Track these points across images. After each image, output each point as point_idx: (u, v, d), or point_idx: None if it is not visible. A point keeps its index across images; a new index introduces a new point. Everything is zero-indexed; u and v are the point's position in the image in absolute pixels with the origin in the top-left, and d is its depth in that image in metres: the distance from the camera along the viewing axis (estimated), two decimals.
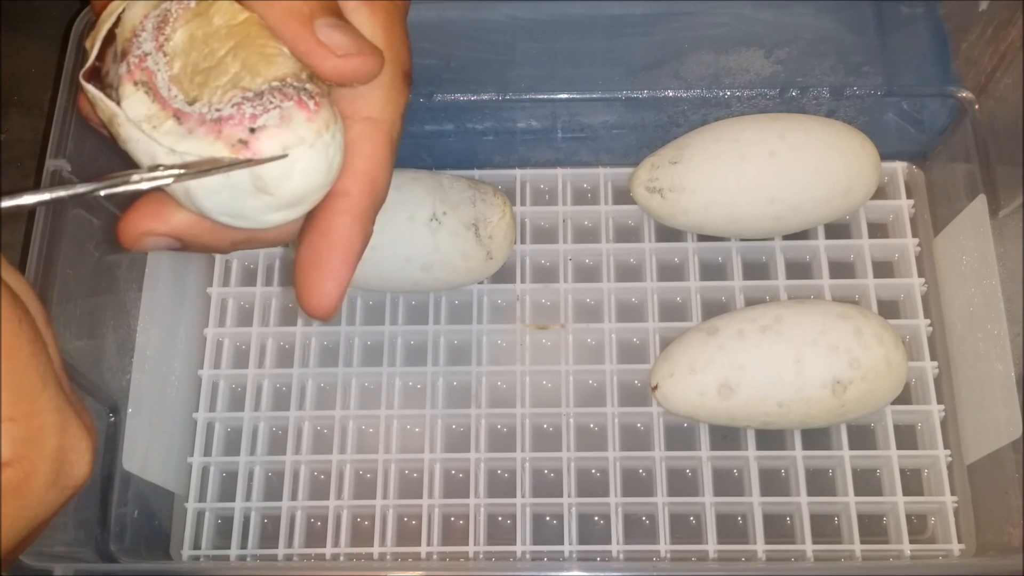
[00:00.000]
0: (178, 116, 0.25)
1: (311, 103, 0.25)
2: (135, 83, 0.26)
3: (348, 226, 0.27)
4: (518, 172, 0.50)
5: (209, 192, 0.25)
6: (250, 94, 0.25)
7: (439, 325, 0.48)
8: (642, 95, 0.48)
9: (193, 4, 0.26)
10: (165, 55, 0.26)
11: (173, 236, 0.27)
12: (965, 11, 0.44)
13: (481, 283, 0.48)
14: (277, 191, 0.25)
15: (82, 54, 0.27)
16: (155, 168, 0.25)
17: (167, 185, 0.25)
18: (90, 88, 0.26)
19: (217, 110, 0.25)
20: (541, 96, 0.48)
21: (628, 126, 0.49)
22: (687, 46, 0.46)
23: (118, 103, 0.25)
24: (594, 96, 0.48)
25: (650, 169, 0.48)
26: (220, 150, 0.25)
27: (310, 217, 0.27)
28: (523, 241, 0.49)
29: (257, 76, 0.25)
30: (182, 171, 0.25)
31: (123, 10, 0.26)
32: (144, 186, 0.25)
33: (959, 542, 0.43)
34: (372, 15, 0.28)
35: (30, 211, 0.40)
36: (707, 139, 0.46)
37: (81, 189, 0.25)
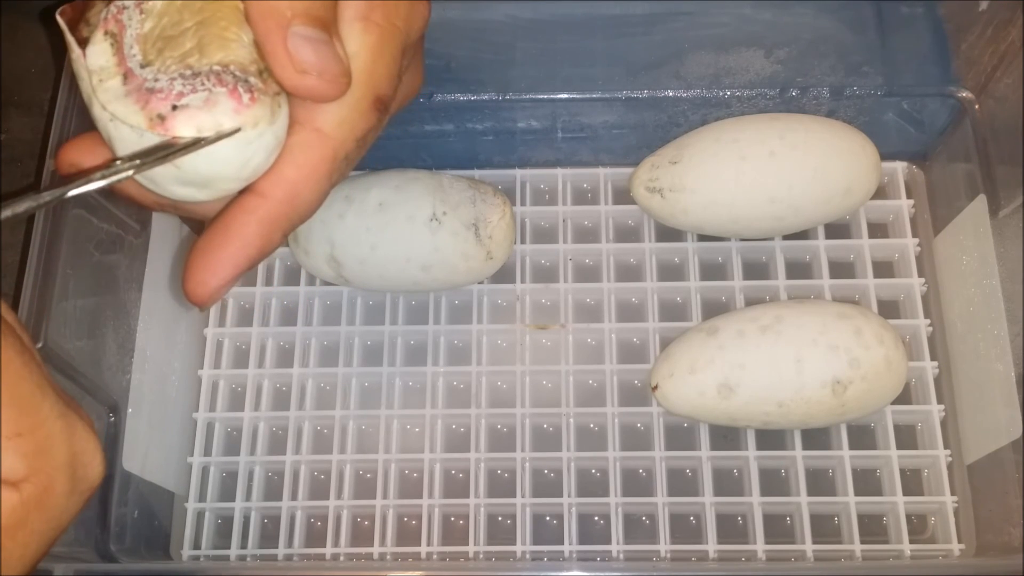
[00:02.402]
0: (127, 75, 0.26)
1: (246, 96, 0.25)
2: (106, 32, 0.26)
3: (250, 226, 0.27)
4: (518, 172, 0.50)
5: (125, 146, 0.26)
6: (188, 72, 0.25)
7: (439, 325, 0.48)
8: (642, 95, 0.48)
9: None
10: (141, 12, 0.26)
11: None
12: (965, 11, 0.44)
13: (481, 283, 0.48)
14: (181, 165, 0.25)
15: None
16: (112, 164, 0.26)
17: (124, 177, 0.26)
18: (61, 22, 0.27)
19: (156, 80, 0.25)
20: (541, 96, 0.48)
21: (628, 126, 0.49)
22: (687, 46, 0.46)
23: (86, 40, 0.26)
24: (594, 96, 0.48)
25: (650, 169, 0.48)
26: (140, 120, 0.25)
27: (222, 210, 0.27)
28: (523, 241, 0.49)
29: (204, 57, 0.26)
30: (138, 162, 0.25)
31: None
32: (100, 184, 0.25)
33: (959, 542, 0.43)
34: (364, 33, 0.27)
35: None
36: (707, 139, 0.46)
37: (46, 196, 0.25)
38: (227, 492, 0.46)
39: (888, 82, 0.47)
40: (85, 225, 0.40)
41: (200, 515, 0.45)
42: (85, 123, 0.40)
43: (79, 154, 0.28)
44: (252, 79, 0.26)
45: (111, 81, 0.26)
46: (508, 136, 0.50)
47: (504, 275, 0.48)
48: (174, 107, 0.25)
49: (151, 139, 0.25)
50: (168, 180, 0.26)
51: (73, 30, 0.27)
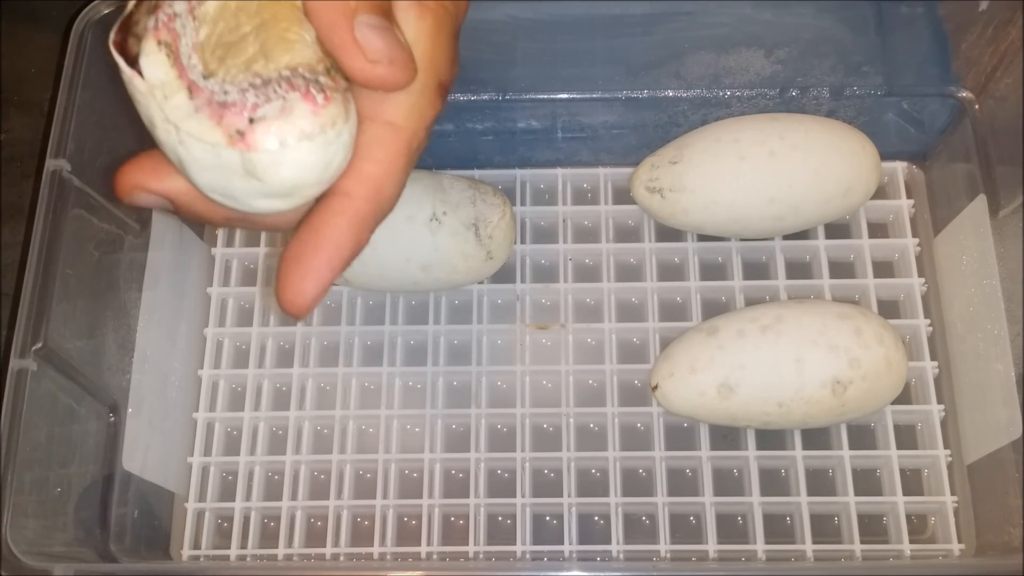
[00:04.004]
0: (191, 88, 0.24)
1: (320, 96, 0.24)
2: (159, 42, 0.25)
3: (341, 227, 0.26)
4: (518, 172, 0.50)
5: (200, 167, 0.25)
6: (258, 81, 0.24)
7: (439, 325, 0.48)
8: (642, 95, 0.48)
9: None
10: (195, 19, 0.25)
11: (166, 197, 0.27)
12: (965, 11, 0.44)
13: (481, 283, 0.48)
14: (265, 177, 0.25)
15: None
16: None
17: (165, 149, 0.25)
18: (115, 52, 0.25)
19: (225, 92, 0.24)
20: (541, 96, 0.48)
21: (628, 126, 0.49)
22: (687, 46, 0.46)
23: (136, 57, 0.25)
24: (594, 96, 0.48)
25: (650, 169, 0.48)
26: (218, 138, 0.24)
27: (308, 212, 0.27)
28: (523, 241, 0.49)
29: (271, 62, 0.25)
30: None
31: None
32: None
33: (959, 542, 0.43)
34: (420, 19, 0.27)
35: (30, 211, 0.40)
36: (707, 139, 0.46)
37: None
38: (227, 492, 0.46)
39: (888, 82, 0.47)
40: (85, 225, 0.40)
41: (200, 515, 0.45)
42: (85, 123, 0.40)
43: (143, 175, 0.27)
44: (322, 78, 0.25)
45: (176, 97, 0.25)
46: (508, 136, 0.50)
47: (504, 275, 0.48)
48: (251, 120, 0.24)
49: (230, 156, 0.24)
50: (249, 195, 0.25)
51: (121, 50, 0.25)
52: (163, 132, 0.25)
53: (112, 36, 0.25)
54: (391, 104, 0.26)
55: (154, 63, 0.25)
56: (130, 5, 0.26)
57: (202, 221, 0.28)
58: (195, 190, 0.26)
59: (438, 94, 0.27)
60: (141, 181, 0.27)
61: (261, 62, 0.25)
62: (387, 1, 0.26)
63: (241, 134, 0.24)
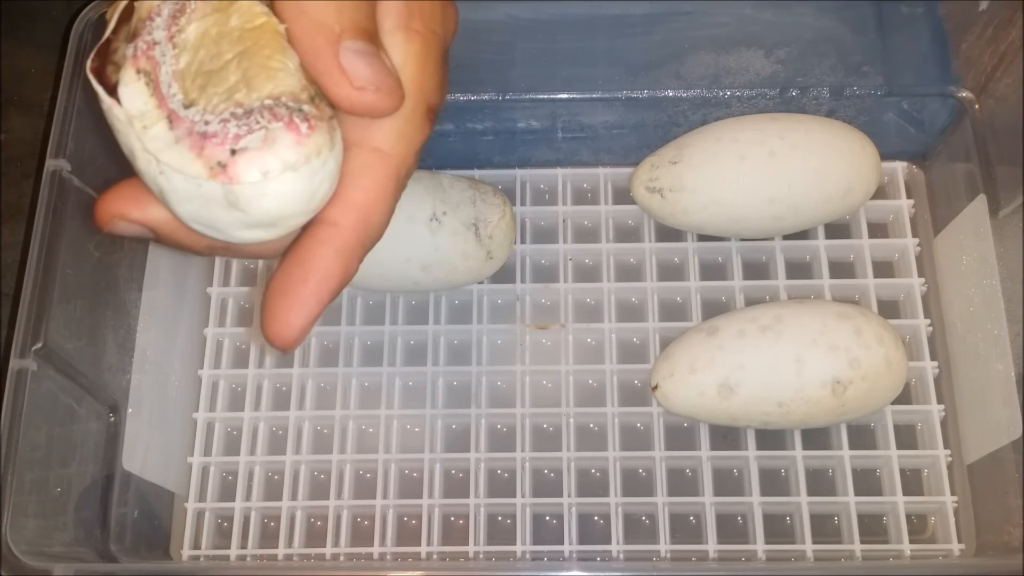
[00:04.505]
0: (171, 118, 0.24)
1: (303, 126, 0.24)
2: (138, 71, 0.24)
3: (328, 258, 0.26)
4: (518, 172, 0.50)
5: (181, 198, 0.24)
6: (239, 111, 0.24)
7: (439, 325, 0.48)
8: (642, 95, 0.48)
9: None
10: (174, 47, 0.24)
11: (147, 226, 0.26)
12: (965, 11, 0.44)
13: (481, 283, 0.48)
14: (248, 209, 0.24)
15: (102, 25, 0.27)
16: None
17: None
18: (92, 78, 0.25)
19: (206, 122, 0.24)
20: (541, 96, 0.48)
21: (628, 126, 0.49)
22: (687, 46, 0.46)
23: (115, 85, 0.24)
24: (594, 96, 0.48)
25: (650, 169, 0.48)
26: (199, 170, 0.23)
27: (293, 242, 0.26)
28: (523, 241, 0.49)
29: (253, 91, 0.24)
30: None
31: None
32: None
33: (959, 542, 0.43)
34: (407, 43, 0.26)
35: (30, 211, 0.40)
36: (707, 139, 0.46)
37: None
38: (227, 492, 0.46)
39: (888, 82, 0.47)
40: (85, 225, 0.40)
41: (200, 515, 0.45)
42: (85, 123, 0.40)
43: (123, 204, 0.26)
44: (306, 107, 0.24)
45: (156, 127, 0.24)
46: (508, 136, 0.50)
47: (504, 275, 0.48)
48: (232, 151, 0.23)
49: (211, 188, 0.24)
50: (232, 225, 0.25)
51: (100, 78, 0.25)
52: (143, 162, 0.24)
53: (89, 63, 0.25)
54: (378, 130, 0.26)
55: (133, 92, 0.24)
56: (108, 31, 0.25)
57: (184, 250, 0.27)
58: (176, 219, 0.25)
59: (426, 119, 0.27)
60: (121, 210, 0.26)
61: (243, 91, 0.24)
62: (373, 25, 0.25)
63: (222, 166, 0.23)
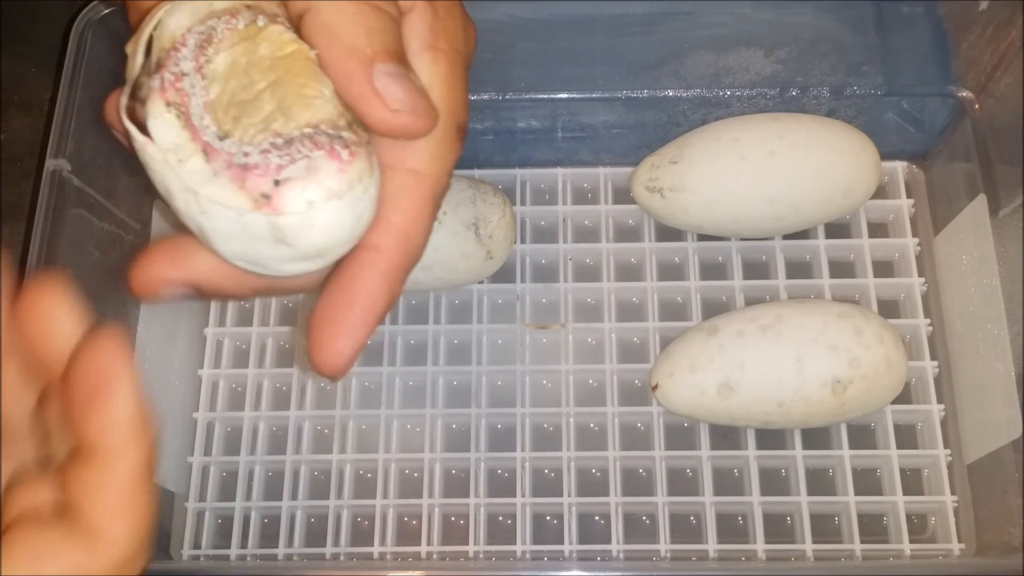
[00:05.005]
0: (207, 151, 0.23)
1: (344, 153, 0.23)
2: (167, 103, 0.23)
3: (373, 281, 0.25)
4: (518, 172, 0.50)
5: (224, 237, 0.24)
6: (279, 140, 0.23)
7: (439, 325, 0.48)
8: (642, 95, 0.48)
9: (241, 26, 0.24)
10: (203, 78, 0.24)
11: (190, 284, 0.26)
12: (965, 11, 0.44)
13: (481, 283, 0.48)
14: (296, 242, 0.23)
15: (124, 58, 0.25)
16: None
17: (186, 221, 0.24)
18: (125, 120, 0.24)
19: (245, 154, 0.23)
20: (541, 96, 0.48)
21: (628, 126, 0.49)
22: (687, 46, 0.46)
23: (145, 119, 0.24)
24: (594, 96, 0.48)
25: (650, 169, 0.48)
26: (243, 202, 0.23)
27: (335, 269, 0.26)
28: (523, 241, 0.49)
29: (291, 120, 0.23)
30: None
31: (164, 14, 0.24)
32: None
33: (959, 542, 0.43)
34: (434, 63, 0.26)
35: (30, 211, 0.40)
36: (707, 139, 0.46)
37: None
38: (227, 492, 0.46)
39: (888, 82, 0.47)
40: (85, 225, 0.40)
41: (200, 515, 0.45)
42: (85, 123, 0.40)
43: (161, 267, 0.26)
44: (345, 133, 0.24)
45: (191, 161, 0.23)
46: (508, 136, 0.50)
47: (504, 275, 0.48)
48: (276, 182, 0.23)
49: (256, 224, 0.23)
50: (278, 260, 0.24)
51: (131, 115, 0.24)
52: (182, 202, 0.24)
53: (123, 104, 0.24)
54: (413, 151, 0.26)
55: (163, 125, 0.23)
56: (137, 66, 0.24)
57: (229, 298, 0.27)
58: (218, 270, 0.25)
59: (457, 137, 0.27)
60: (161, 274, 0.26)
61: (280, 120, 0.23)
62: (402, 48, 0.25)
63: (267, 197, 0.23)
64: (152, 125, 0.23)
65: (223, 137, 0.23)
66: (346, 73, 0.24)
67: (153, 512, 0.22)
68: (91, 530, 0.21)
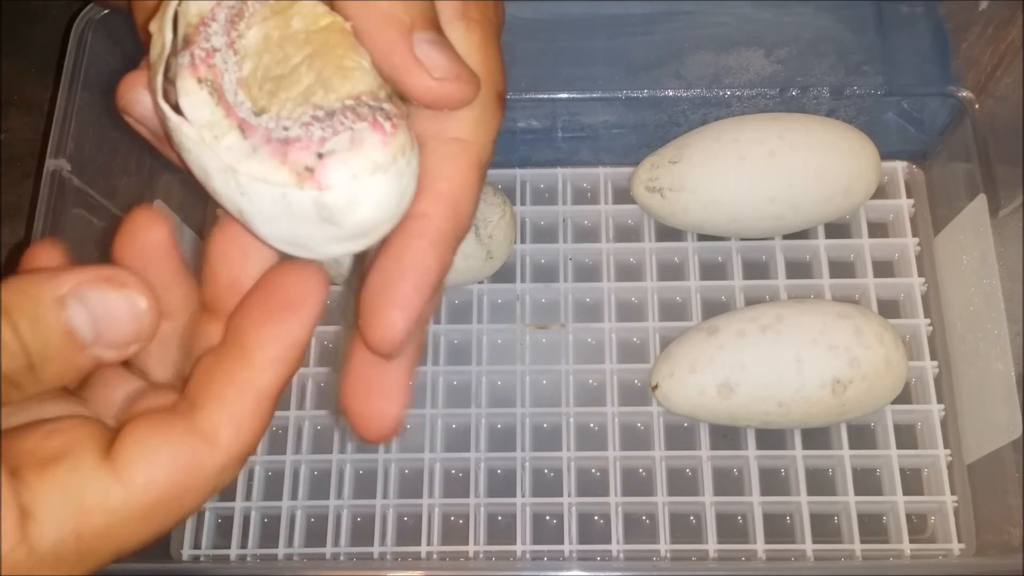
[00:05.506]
0: (243, 127, 0.22)
1: (387, 125, 0.23)
2: (199, 80, 0.23)
3: (423, 249, 0.24)
4: (518, 172, 0.50)
5: (267, 218, 0.23)
6: (321, 113, 0.22)
7: (439, 325, 0.48)
8: (642, 95, 0.48)
9: (272, 0, 0.24)
10: (235, 53, 0.23)
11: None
12: (965, 11, 0.44)
13: (481, 283, 0.48)
14: (343, 221, 0.23)
15: (146, 38, 0.25)
16: None
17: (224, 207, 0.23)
18: (161, 103, 0.23)
19: (285, 128, 0.22)
20: (541, 96, 0.48)
21: (628, 126, 0.49)
22: (687, 46, 0.46)
23: (176, 98, 0.23)
24: (594, 96, 0.48)
25: (650, 168, 0.48)
26: (285, 177, 0.22)
27: (383, 244, 0.25)
28: (523, 241, 0.49)
29: (331, 92, 0.23)
30: None
31: None
32: None
33: (959, 542, 0.43)
34: (468, 32, 0.26)
35: (30, 211, 0.40)
36: (707, 139, 0.46)
37: None
38: (227, 492, 0.46)
39: (888, 82, 0.47)
40: (85, 225, 0.40)
41: (200, 515, 0.45)
42: (85, 123, 0.40)
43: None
44: (386, 105, 0.23)
45: (227, 137, 0.22)
46: (508, 136, 0.50)
47: (504, 274, 0.48)
48: (319, 155, 0.22)
49: (300, 200, 0.22)
50: (322, 241, 0.23)
51: (165, 96, 0.23)
52: (221, 183, 0.23)
53: (160, 88, 0.23)
54: (456, 120, 0.25)
55: (196, 102, 0.23)
56: (167, 43, 0.24)
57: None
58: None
59: (498, 104, 0.26)
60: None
61: (320, 93, 0.23)
62: (436, 16, 0.25)
63: (311, 171, 0.22)
64: (184, 103, 0.23)
65: (259, 113, 0.23)
66: (386, 42, 0.24)
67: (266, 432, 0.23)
68: (210, 431, 0.21)
